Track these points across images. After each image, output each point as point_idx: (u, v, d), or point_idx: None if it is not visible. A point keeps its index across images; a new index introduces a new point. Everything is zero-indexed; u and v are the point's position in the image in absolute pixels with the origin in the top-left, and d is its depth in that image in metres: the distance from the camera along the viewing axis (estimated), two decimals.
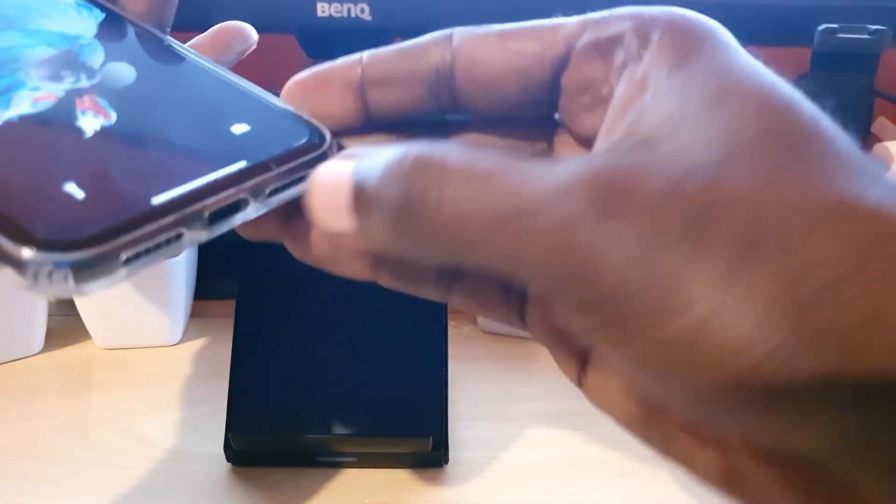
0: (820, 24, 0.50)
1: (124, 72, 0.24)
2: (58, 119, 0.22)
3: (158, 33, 0.27)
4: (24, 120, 0.22)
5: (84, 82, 0.23)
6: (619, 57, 0.20)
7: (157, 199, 0.19)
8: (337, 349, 0.43)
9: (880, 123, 0.56)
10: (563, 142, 0.23)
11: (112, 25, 0.27)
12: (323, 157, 0.22)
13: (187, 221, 0.19)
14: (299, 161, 0.22)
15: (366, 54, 0.23)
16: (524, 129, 0.24)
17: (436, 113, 0.23)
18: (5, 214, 0.18)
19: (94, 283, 0.18)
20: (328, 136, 0.23)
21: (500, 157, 0.18)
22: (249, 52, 0.30)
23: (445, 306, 0.43)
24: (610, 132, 0.20)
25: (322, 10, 0.51)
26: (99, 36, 0.26)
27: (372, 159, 0.19)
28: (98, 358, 0.51)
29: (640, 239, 0.16)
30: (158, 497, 0.42)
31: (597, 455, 0.44)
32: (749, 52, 0.19)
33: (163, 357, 0.51)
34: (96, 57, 0.25)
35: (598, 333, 0.17)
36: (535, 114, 0.23)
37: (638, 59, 0.20)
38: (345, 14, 0.51)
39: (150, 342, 0.51)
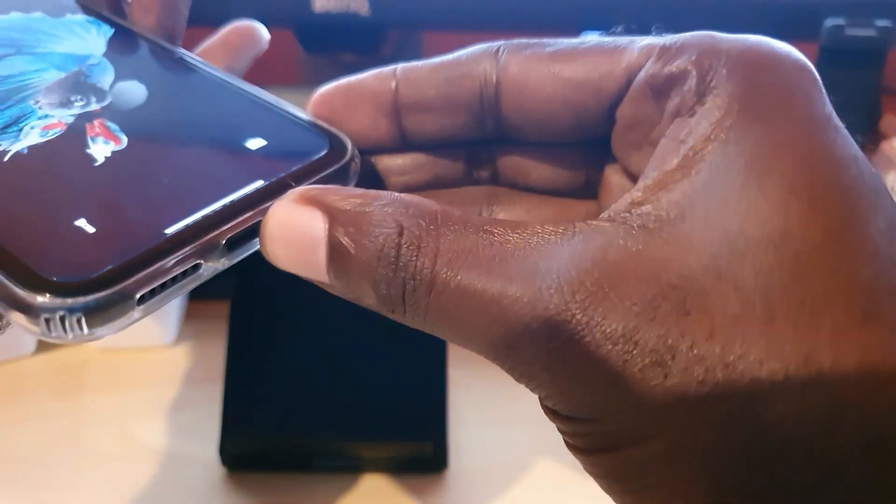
0: (827, 20, 0.49)
1: (135, 91, 0.23)
2: (67, 148, 0.21)
3: (168, 46, 0.26)
4: (33, 151, 0.21)
5: (94, 105, 0.22)
6: (673, 102, 0.18)
7: (171, 230, 0.18)
8: (334, 352, 0.43)
9: (887, 120, 0.56)
10: (613, 170, 0.22)
11: (122, 41, 0.26)
12: (345, 169, 0.21)
13: (204, 252, 0.18)
14: (320, 175, 0.20)
15: (399, 70, 0.21)
16: (574, 154, 0.22)
17: (479, 137, 0.22)
18: (13, 256, 0.17)
19: (109, 327, 0.17)
20: (349, 145, 0.21)
21: (494, 241, 0.17)
22: (261, 54, 0.29)
23: None
24: (644, 187, 0.18)
25: (319, 4, 0.51)
26: (108, 54, 0.25)
27: (350, 220, 0.17)
28: (91, 359, 0.50)
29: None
30: (152, 502, 0.41)
31: None
32: (823, 105, 0.17)
33: (157, 359, 0.50)
34: (106, 77, 0.24)
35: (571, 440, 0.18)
36: (586, 140, 0.21)
37: (690, 112, 0.18)
38: (342, 9, 0.51)
39: (144, 343, 0.51)
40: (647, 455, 0.16)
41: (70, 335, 0.17)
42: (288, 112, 0.22)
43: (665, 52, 0.19)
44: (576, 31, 0.51)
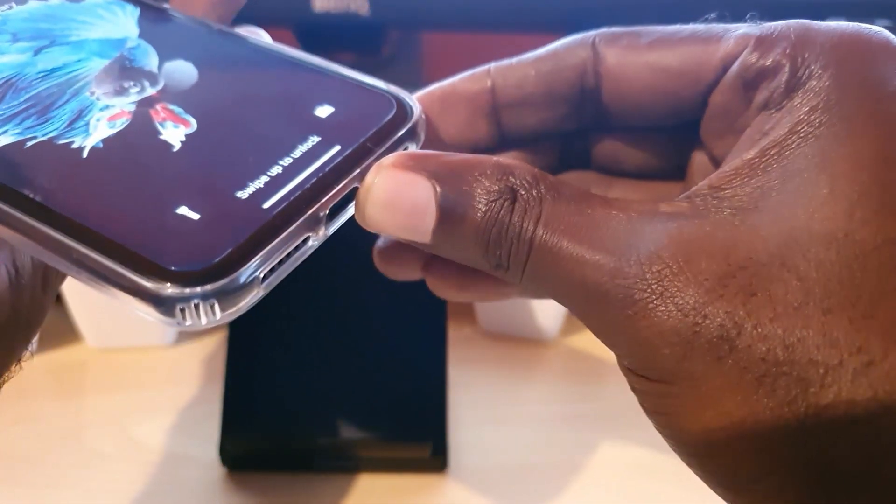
0: (827, 20, 0.49)
1: (185, 70, 0.23)
2: (141, 137, 0.21)
3: (200, 20, 0.25)
4: (109, 144, 0.20)
5: (150, 90, 0.22)
6: (762, 95, 0.19)
7: (275, 207, 0.18)
8: (335, 351, 0.42)
9: None
10: (700, 154, 0.23)
11: (153, 20, 0.25)
12: (415, 128, 0.21)
13: (311, 224, 0.19)
14: (395, 137, 0.20)
15: (493, 69, 0.22)
16: (664, 139, 0.23)
17: (577, 127, 0.23)
18: (128, 249, 0.17)
19: (239, 308, 0.18)
20: (415, 104, 0.21)
21: (585, 211, 0.18)
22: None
23: (446, 308, 0.43)
24: (724, 173, 0.19)
25: (319, 4, 0.51)
26: (144, 34, 0.24)
27: (459, 186, 0.18)
28: (90, 359, 0.50)
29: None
30: (152, 502, 0.41)
31: (599, 460, 0.43)
32: None
33: (156, 358, 0.50)
34: (151, 59, 0.23)
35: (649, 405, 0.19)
36: (678, 125, 0.22)
37: (778, 106, 0.19)
38: (342, 8, 0.51)
39: (144, 343, 0.50)
40: (714, 419, 0.17)
41: (204, 321, 0.17)
42: (347, 76, 0.22)
43: (761, 43, 0.19)
44: (576, 30, 0.51)
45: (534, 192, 0.18)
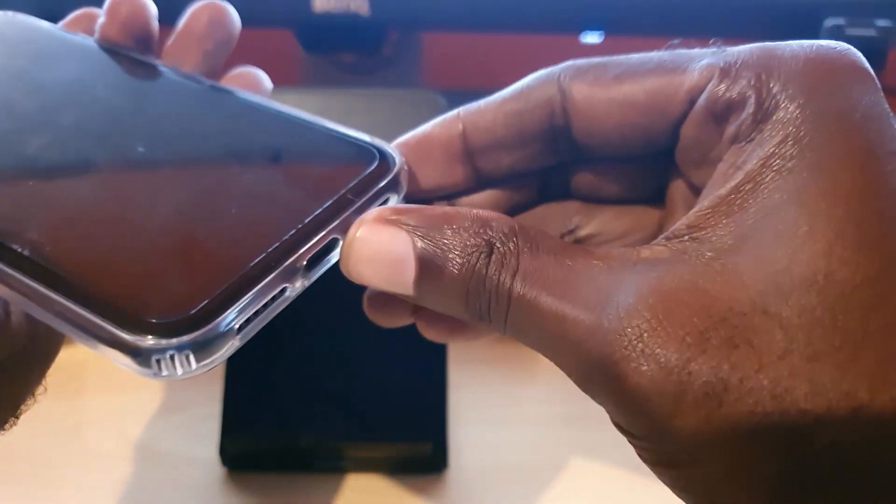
0: (827, 20, 0.49)
1: (175, 127, 0.23)
2: (126, 186, 0.21)
3: (195, 76, 0.25)
4: (94, 192, 0.21)
5: (130, 140, 0.23)
6: (732, 128, 0.19)
7: (253, 259, 0.19)
8: (335, 351, 0.42)
9: None
10: (677, 186, 0.22)
11: (140, 74, 0.26)
12: (397, 179, 0.21)
13: (288, 275, 0.19)
14: (376, 188, 0.21)
15: (462, 113, 0.22)
16: (644, 165, 0.23)
17: (553, 161, 0.22)
18: (107, 300, 0.18)
19: (215, 359, 0.18)
20: (397, 155, 0.22)
21: (563, 263, 0.18)
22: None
23: None
24: (700, 211, 0.18)
25: (319, 4, 0.51)
26: (137, 92, 0.25)
27: (438, 240, 0.18)
28: (91, 359, 0.50)
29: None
30: (152, 502, 0.41)
31: (599, 461, 0.43)
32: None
33: None
34: (142, 116, 0.24)
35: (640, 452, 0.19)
36: (655, 153, 0.22)
37: (748, 139, 0.18)
38: (342, 9, 0.51)
39: None
40: (711, 475, 0.17)
41: (180, 371, 0.17)
42: (330, 128, 0.23)
43: (726, 74, 0.19)
44: (576, 31, 0.51)
45: (510, 246, 0.18)
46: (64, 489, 0.42)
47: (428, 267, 0.19)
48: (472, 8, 0.51)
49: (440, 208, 0.19)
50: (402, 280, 0.19)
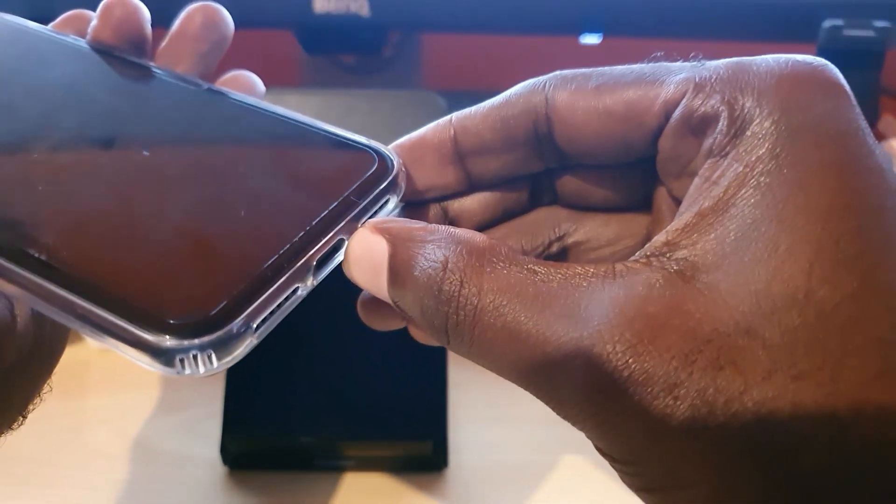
0: (825, 21, 0.49)
1: (178, 130, 0.24)
2: (138, 191, 0.21)
3: (195, 80, 0.26)
4: (107, 195, 0.21)
5: (137, 143, 0.23)
6: (707, 142, 0.19)
7: (267, 260, 0.19)
8: (335, 351, 0.42)
9: (886, 121, 0.56)
10: (662, 195, 0.22)
11: (138, 78, 0.26)
12: (396, 180, 0.22)
13: (300, 275, 0.20)
14: (377, 190, 0.21)
15: (454, 119, 0.23)
16: (630, 172, 0.23)
17: (541, 167, 0.23)
18: (128, 301, 0.18)
19: (233, 357, 0.18)
20: (395, 157, 0.22)
21: (537, 280, 0.18)
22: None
23: None
24: (679, 227, 0.18)
25: (320, 5, 0.51)
26: (137, 96, 0.25)
27: (408, 250, 0.19)
28: (92, 359, 0.50)
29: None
30: (154, 501, 0.41)
31: (598, 460, 0.43)
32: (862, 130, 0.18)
33: None
34: (143, 120, 0.24)
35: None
36: (638, 162, 0.22)
37: (723, 153, 0.18)
38: (342, 10, 0.51)
39: None
40: (697, 499, 0.17)
41: (202, 370, 0.18)
42: (329, 131, 0.23)
43: (700, 89, 0.19)
44: (575, 31, 0.51)
45: (475, 264, 0.18)
46: (65, 488, 0.42)
47: (395, 275, 0.19)
48: (472, 9, 0.51)
49: (421, 223, 0.20)
50: (379, 285, 0.20)
